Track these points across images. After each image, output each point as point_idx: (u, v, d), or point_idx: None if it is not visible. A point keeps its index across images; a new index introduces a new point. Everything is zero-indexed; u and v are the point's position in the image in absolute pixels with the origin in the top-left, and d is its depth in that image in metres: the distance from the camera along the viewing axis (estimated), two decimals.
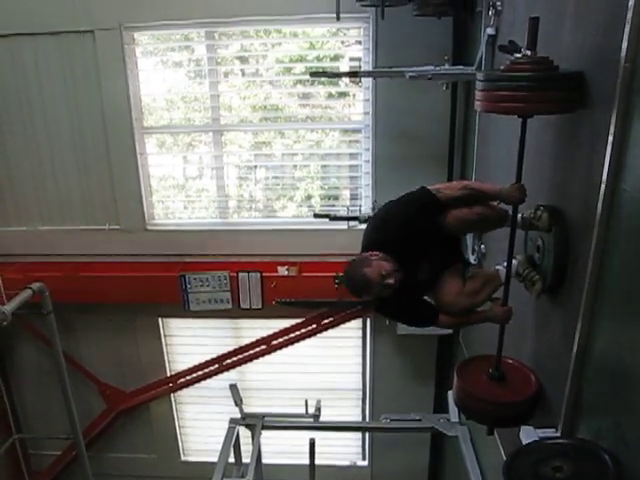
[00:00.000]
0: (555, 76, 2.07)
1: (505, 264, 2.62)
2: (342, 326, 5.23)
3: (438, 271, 2.56)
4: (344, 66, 4.80)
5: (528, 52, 2.09)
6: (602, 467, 1.77)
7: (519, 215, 2.55)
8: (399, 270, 2.38)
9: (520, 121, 2.20)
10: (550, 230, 2.36)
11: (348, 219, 4.61)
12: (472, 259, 4.02)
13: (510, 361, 2.62)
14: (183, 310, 5.13)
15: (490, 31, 3.40)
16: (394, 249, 2.41)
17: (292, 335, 5.26)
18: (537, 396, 2.44)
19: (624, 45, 1.78)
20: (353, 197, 5.17)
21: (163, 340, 5.64)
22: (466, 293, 2.52)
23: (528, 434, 2.26)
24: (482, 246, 3.85)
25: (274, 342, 5.31)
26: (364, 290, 2.42)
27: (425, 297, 2.65)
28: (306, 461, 4.44)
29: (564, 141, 2.39)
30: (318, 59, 4.89)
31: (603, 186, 1.92)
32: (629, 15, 1.75)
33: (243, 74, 5.05)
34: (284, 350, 5.32)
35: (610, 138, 1.87)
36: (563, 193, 2.39)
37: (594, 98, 2.08)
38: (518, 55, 2.16)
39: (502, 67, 2.20)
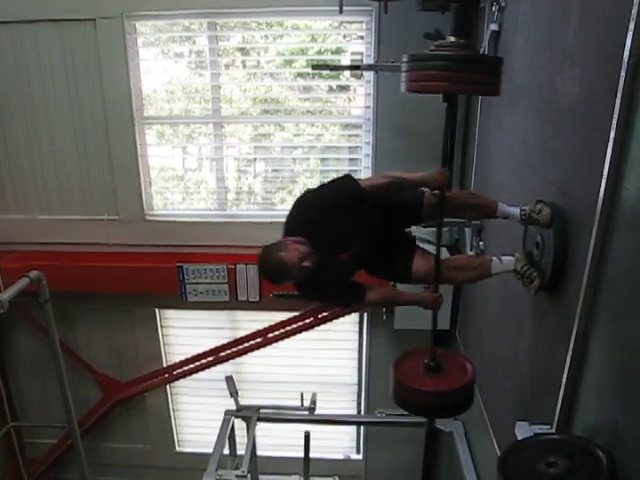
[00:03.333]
0: (475, 58, 2.14)
1: (502, 256, 2.65)
2: (339, 320, 5.23)
3: (381, 252, 2.63)
4: (346, 60, 4.77)
5: (452, 38, 2.19)
6: (596, 463, 1.78)
7: (518, 209, 2.56)
8: (314, 253, 2.35)
9: (518, 118, 2.20)
10: (551, 226, 2.36)
11: None
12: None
13: (447, 352, 2.67)
14: (180, 301, 5.14)
15: (494, 27, 3.40)
16: (315, 234, 2.40)
17: (289, 328, 5.27)
18: (473, 384, 2.48)
19: (628, 41, 1.78)
20: None
21: (160, 331, 5.64)
22: (445, 267, 2.60)
23: (523, 430, 2.27)
24: (481, 242, 3.86)
25: (270, 335, 5.31)
26: (282, 274, 2.36)
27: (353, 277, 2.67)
28: (301, 454, 4.45)
29: (565, 137, 2.39)
30: (319, 52, 4.86)
31: (604, 183, 1.92)
32: (634, 11, 1.75)
33: (244, 66, 5.03)
34: (280, 343, 5.32)
35: (612, 134, 1.86)
36: (563, 190, 2.39)
37: (596, 94, 2.08)
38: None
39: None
